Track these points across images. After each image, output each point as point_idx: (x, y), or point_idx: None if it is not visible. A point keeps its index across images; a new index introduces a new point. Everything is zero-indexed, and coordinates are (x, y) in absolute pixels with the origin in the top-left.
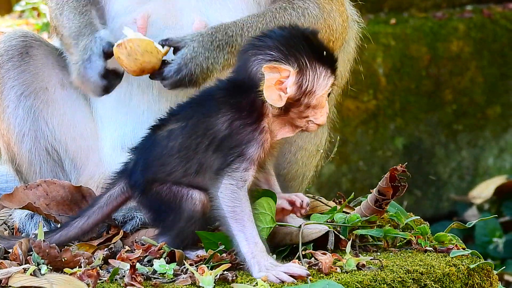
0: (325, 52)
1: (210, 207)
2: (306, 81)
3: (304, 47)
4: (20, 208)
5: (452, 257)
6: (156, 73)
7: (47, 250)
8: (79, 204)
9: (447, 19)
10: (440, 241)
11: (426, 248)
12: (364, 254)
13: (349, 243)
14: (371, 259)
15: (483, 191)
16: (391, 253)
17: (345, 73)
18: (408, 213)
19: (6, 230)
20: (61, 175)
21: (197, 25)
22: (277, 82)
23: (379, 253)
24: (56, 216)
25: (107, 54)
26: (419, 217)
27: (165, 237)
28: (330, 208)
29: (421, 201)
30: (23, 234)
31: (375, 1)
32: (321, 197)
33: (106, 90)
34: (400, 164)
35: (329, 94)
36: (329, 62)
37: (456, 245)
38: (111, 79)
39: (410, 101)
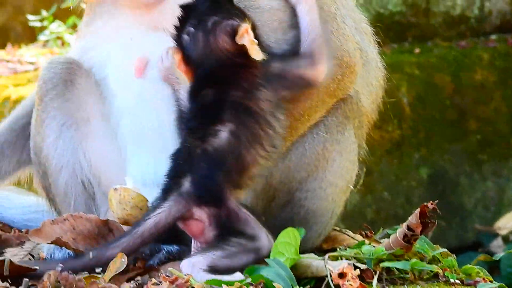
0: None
1: None
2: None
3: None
4: (49, 243)
5: None
6: None
7: (74, 283)
8: (106, 238)
9: (471, 48)
10: (467, 274)
11: (453, 281)
12: (391, 287)
13: (376, 275)
14: None
15: (509, 221)
16: (418, 286)
17: (372, 110)
18: (434, 245)
19: (31, 260)
20: (93, 208)
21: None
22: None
23: (406, 286)
24: (84, 251)
25: None
26: (445, 249)
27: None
28: (357, 242)
29: (446, 231)
30: None
31: (399, 30)
32: (348, 230)
33: None
34: (431, 202)
35: None
36: None
37: (484, 278)
38: None
39: (434, 130)
